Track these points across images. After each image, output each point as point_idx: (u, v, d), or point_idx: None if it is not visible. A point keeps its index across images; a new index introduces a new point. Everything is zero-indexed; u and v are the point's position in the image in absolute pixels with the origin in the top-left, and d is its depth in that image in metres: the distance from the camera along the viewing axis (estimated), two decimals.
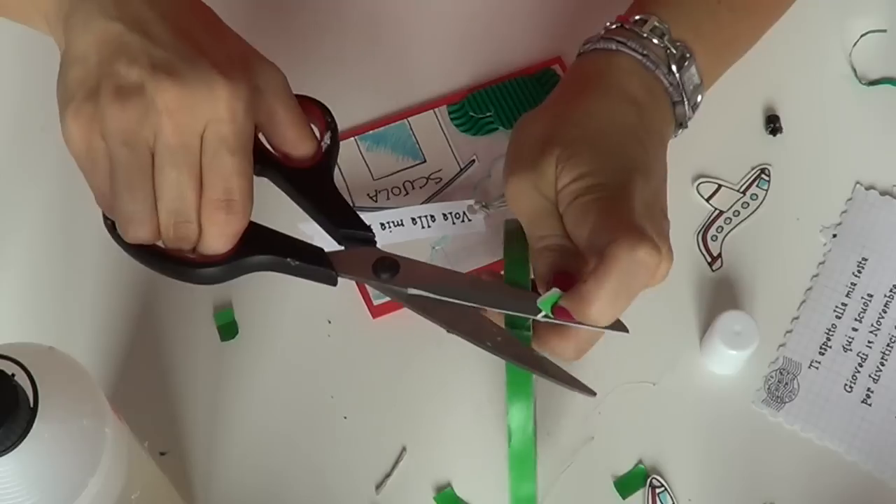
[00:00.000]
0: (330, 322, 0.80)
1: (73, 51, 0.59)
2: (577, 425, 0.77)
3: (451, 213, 0.82)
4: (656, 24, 0.72)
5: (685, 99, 0.73)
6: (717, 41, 0.76)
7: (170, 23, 0.59)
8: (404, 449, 0.77)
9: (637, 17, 0.73)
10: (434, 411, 0.78)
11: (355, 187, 0.84)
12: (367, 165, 0.85)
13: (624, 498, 0.76)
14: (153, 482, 0.68)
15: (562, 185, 0.66)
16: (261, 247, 0.63)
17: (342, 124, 0.86)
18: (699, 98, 0.74)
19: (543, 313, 0.64)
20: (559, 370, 0.65)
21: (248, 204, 0.60)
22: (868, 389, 0.79)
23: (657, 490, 0.76)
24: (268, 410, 0.78)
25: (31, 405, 0.52)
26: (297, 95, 0.66)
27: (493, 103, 0.87)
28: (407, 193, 0.84)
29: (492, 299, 0.65)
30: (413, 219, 0.81)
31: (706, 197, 0.84)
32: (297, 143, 0.64)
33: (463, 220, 0.82)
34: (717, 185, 0.85)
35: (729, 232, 0.83)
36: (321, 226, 0.66)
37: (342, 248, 0.65)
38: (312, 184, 0.66)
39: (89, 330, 0.79)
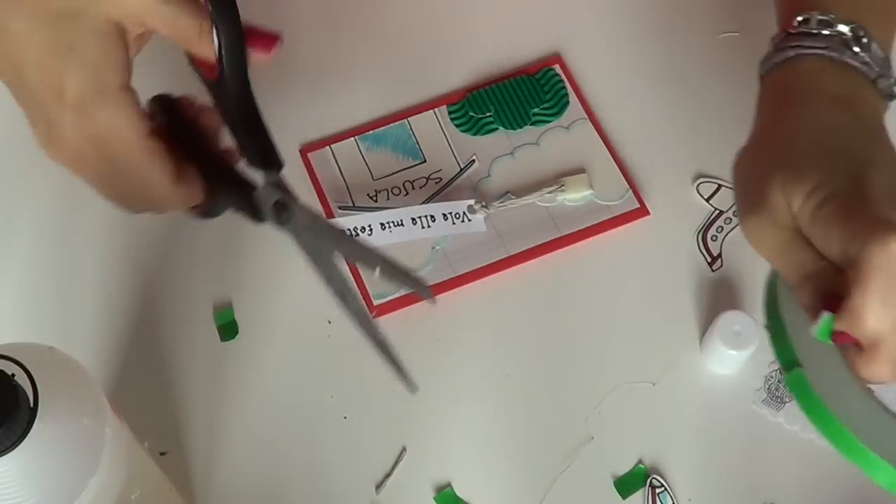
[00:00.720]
0: (330, 322, 0.80)
1: None
2: (577, 425, 0.77)
3: (451, 213, 0.82)
4: (820, 17, 0.69)
5: (881, 72, 0.68)
6: (882, 11, 0.73)
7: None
8: (404, 449, 0.77)
9: (800, 19, 0.69)
10: (434, 411, 0.78)
11: (355, 187, 0.84)
12: (367, 165, 0.85)
13: (624, 498, 0.76)
14: (153, 482, 0.68)
15: (797, 209, 0.62)
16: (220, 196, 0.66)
17: (343, 124, 0.87)
18: (892, 69, 0.69)
19: None
20: (389, 351, 0.66)
21: (162, 192, 0.63)
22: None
23: (657, 490, 0.76)
24: (268, 410, 0.78)
25: (31, 405, 0.52)
26: None
27: (492, 103, 0.87)
28: (407, 193, 0.84)
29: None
30: (413, 219, 0.81)
31: (706, 197, 0.84)
32: (187, 40, 0.61)
33: (463, 220, 0.82)
34: (717, 185, 0.85)
35: (729, 232, 0.83)
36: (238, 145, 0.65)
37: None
38: (221, 99, 0.64)
39: (89, 330, 0.80)
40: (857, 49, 0.68)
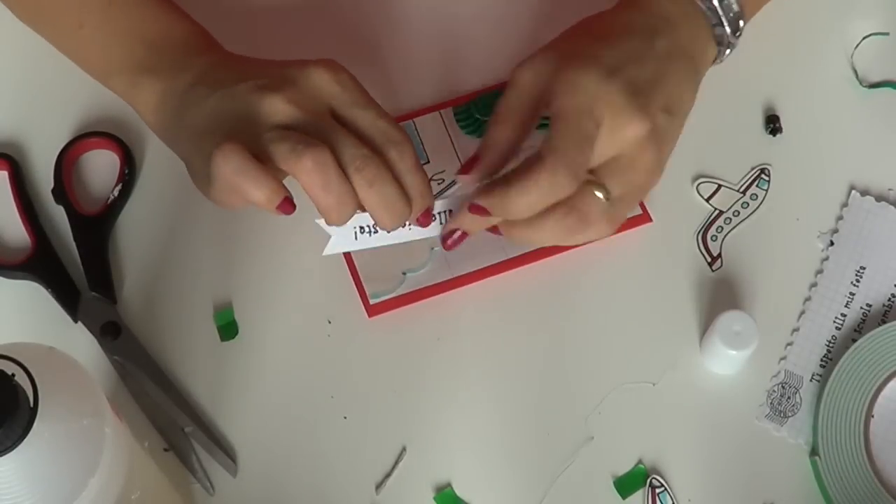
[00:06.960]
0: (330, 322, 0.80)
1: None
2: (577, 425, 0.77)
3: (448, 213, 0.81)
4: None
5: (724, 22, 0.76)
6: None
7: None
8: (404, 449, 0.77)
9: None
10: (434, 411, 0.78)
11: None
12: None
13: (624, 498, 0.76)
14: (153, 482, 0.68)
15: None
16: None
17: None
18: (741, 24, 0.77)
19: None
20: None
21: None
22: None
23: (657, 490, 0.76)
24: (268, 410, 0.78)
25: (31, 405, 0.52)
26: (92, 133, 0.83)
27: None
28: None
29: None
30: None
31: (706, 197, 0.84)
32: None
33: None
34: (717, 185, 0.85)
35: (729, 232, 0.83)
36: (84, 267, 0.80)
37: None
38: (90, 233, 0.81)
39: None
40: None
